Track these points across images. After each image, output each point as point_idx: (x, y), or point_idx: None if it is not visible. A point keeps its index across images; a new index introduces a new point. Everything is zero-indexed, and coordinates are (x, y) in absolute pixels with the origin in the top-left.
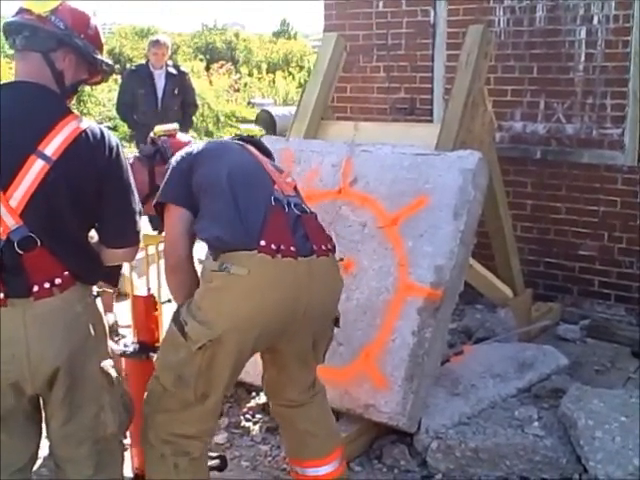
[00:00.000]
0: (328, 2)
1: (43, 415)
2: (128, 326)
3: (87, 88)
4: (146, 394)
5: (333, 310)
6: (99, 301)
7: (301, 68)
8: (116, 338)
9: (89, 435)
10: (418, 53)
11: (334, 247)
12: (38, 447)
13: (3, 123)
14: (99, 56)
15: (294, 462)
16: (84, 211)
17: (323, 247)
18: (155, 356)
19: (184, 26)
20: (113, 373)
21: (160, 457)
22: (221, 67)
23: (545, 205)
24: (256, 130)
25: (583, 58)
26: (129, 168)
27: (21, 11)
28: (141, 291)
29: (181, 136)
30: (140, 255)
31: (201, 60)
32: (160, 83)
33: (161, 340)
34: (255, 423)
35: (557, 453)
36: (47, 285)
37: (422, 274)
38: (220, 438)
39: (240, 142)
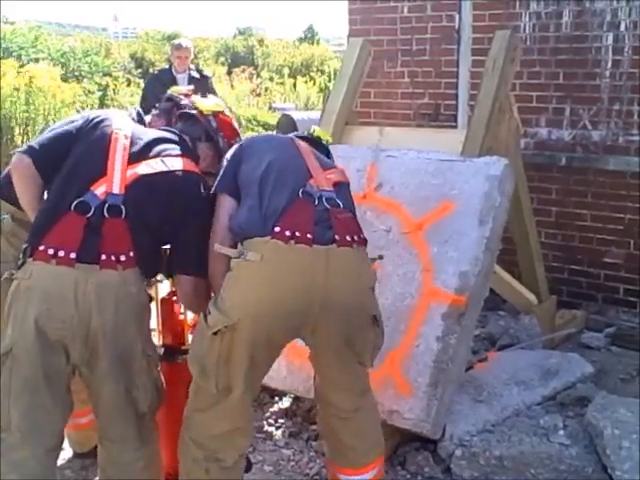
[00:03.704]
0: (353, 7)
1: (87, 395)
2: (153, 330)
3: (110, 92)
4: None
5: (360, 304)
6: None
7: (322, 73)
8: None
9: (127, 410)
10: (443, 59)
11: (364, 240)
12: (65, 425)
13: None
14: None
15: (329, 463)
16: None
17: (348, 238)
18: (181, 359)
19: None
20: (153, 356)
21: (193, 460)
22: (243, 72)
23: (570, 212)
24: (325, 135)
25: (610, 64)
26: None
27: None
28: (165, 293)
29: (197, 98)
30: None
31: (223, 64)
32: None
33: (187, 344)
34: (278, 428)
35: (583, 462)
36: (113, 258)
37: (447, 280)
38: None
39: (292, 136)
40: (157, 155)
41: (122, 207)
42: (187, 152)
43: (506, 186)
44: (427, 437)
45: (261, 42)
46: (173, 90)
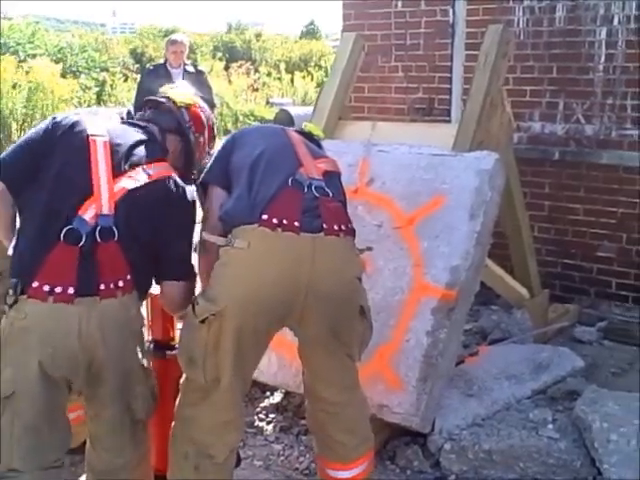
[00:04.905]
0: (347, 2)
1: (86, 412)
2: (143, 325)
3: (107, 88)
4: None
5: (347, 293)
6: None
7: (320, 68)
8: None
9: (125, 421)
10: (437, 53)
11: (352, 230)
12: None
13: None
14: None
15: (319, 458)
16: (153, 237)
17: (335, 227)
18: (170, 355)
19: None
20: (148, 366)
21: (183, 457)
22: (240, 67)
23: (563, 206)
24: (317, 130)
25: (603, 59)
26: None
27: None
28: (156, 290)
29: (169, 89)
30: None
31: (220, 60)
32: (178, 82)
33: (177, 340)
34: (269, 423)
35: (571, 456)
36: (112, 286)
37: (437, 274)
38: None
39: (284, 127)
40: (138, 164)
41: (114, 229)
42: (162, 152)
43: (497, 180)
44: (417, 431)
45: (258, 37)
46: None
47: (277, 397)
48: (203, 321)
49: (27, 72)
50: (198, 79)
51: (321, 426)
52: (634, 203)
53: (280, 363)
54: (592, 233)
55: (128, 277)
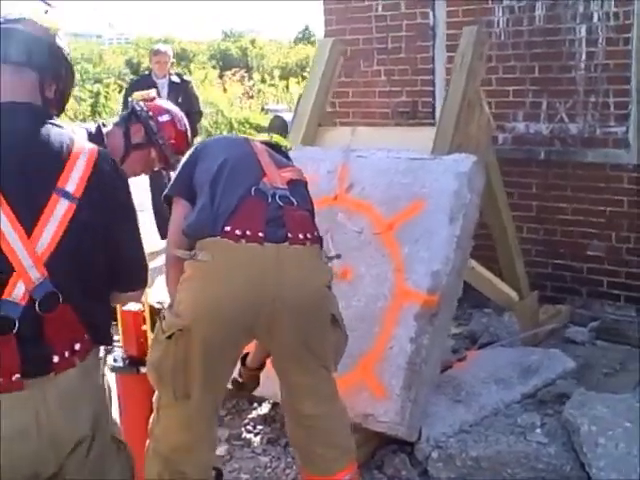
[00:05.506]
0: (328, 7)
1: None
2: (117, 341)
3: (102, 99)
4: None
5: (315, 302)
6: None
7: None
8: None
9: None
10: (418, 56)
11: (318, 238)
12: None
13: (17, 157)
14: None
15: (302, 470)
16: (105, 254)
17: (300, 236)
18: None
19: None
20: (120, 438)
21: (157, 474)
22: (234, 74)
23: (551, 206)
24: (284, 141)
25: (584, 56)
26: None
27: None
28: (129, 306)
29: (159, 101)
30: None
31: (214, 67)
32: (164, 92)
33: None
34: (257, 434)
35: (560, 460)
36: (67, 354)
37: (418, 280)
38: (220, 450)
39: (247, 137)
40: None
41: (55, 292)
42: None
43: (476, 183)
44: (403, 440)
45: (253, 43)
46: (135, 96)
47: (265, 408)
48: (170, 336)
49: None
50: (184, 89)
51: (300, 439)
52: (621, 201)
53: (267, 374)
54: (581, 232)
55: (85, 336)
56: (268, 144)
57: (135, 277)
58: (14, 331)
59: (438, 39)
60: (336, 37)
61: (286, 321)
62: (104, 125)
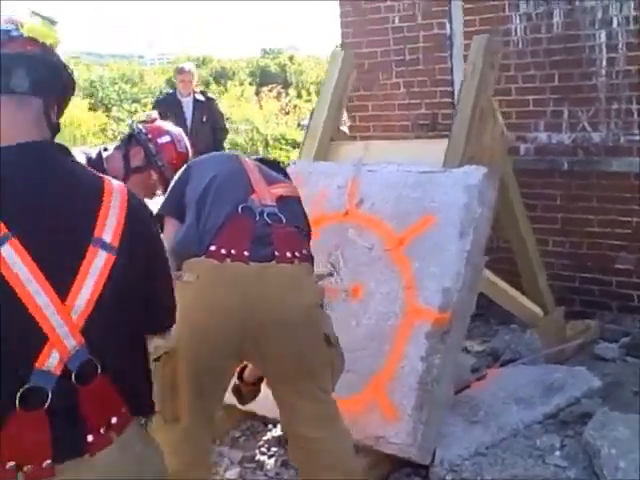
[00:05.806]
0: (345, 20)
1: None
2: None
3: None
4: None
5: (305, 321)
6: None
7: None
8: None
9: None
10: (437, 67)
11: (307, 256)
12: None
13: (43, 209)
14: None
15: None
16: (144, 304)
17: (288, 254)
18: None
19: (241, 52)
20: None
21: None
22: (271, 90)
23: (576, 218)
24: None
25: (605, 63)
26: None
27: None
28: None
29: (160, 122)
30: None
31: (251, 84)
32: (188, 111)
33: None
34: (270, 457)
35: None
36: (103, 430)
37: (429, 297)
38: (232, 473)
39: (238, 154)
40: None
41: (94, 361)
42: None
43: (487, 196)
44: (416, 462)
45: (292, 59)
46: (135, 119)
47: (279, 430)
48: (158, 359)
49: None
50: (208, 107)
51: (302, 463)
52: None
53: None
54: (608, 244)
55: (123, 409)
56: (262, 160)
57: (167, 321)
58: (46, 405)
59: (456, 49)
60: (353, 50)
61: (273, 341)
62: (105, 149)
